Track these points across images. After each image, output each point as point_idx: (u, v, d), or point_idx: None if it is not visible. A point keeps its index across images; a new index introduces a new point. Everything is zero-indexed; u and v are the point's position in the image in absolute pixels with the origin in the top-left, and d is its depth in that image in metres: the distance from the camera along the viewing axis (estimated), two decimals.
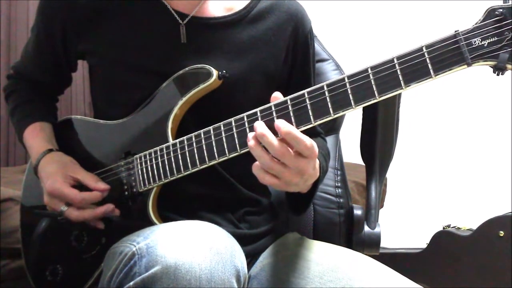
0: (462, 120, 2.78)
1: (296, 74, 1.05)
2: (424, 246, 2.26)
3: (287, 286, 0.88)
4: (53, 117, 1.12)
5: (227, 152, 0.83)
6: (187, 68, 0.93)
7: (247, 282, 0.85)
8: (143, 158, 0.93)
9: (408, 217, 2.72)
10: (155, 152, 0.91)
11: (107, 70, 0.99)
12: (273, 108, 0.78)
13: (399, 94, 1.17)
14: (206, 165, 0.86)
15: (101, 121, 1.01)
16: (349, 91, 0.74)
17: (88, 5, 0.97)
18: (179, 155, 0.88)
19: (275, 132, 0.75)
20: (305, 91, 0.77)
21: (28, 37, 1.10)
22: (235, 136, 0.82)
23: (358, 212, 1.23)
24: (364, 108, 1.13)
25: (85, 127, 1.05)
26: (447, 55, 0.70)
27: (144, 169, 0.92)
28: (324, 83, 0.76)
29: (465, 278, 2.14)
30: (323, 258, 0.91)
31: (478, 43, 0.69)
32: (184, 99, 0.92)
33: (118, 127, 0.98)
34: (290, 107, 0.78)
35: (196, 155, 0.86)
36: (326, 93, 0.76)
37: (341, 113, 0.76)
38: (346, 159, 1.33)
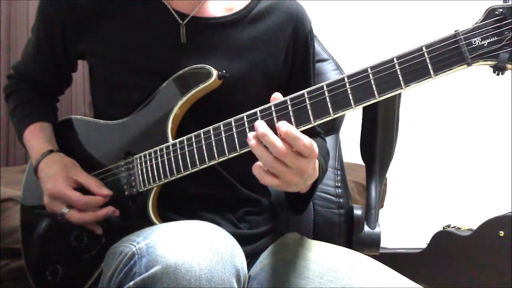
0: (462, 120, 2.78)
1: (296, 74, 1.05)
2: (424, 246, 2.26)
3: (287, 286, 0.88)
4: (53, 117, 1.12)
5: (226, 152, 0.83)
6: (187, 68, 0.93)
7: (247, 282, 0.85)
8: (143, 158, 0.93)
9: (408, 217, 2.72)
10: (155, 152, 0.91)
11: (107, 70, 0.99)
12: (272, 108, 0.78)
13: (399, 94, 1.18)
14: (206, 165, 0.86)
15: (101, 121, 1.01)
16: (349, 91, 0.74)
17: (88, 5, 0.97)
18: (179, 155, 0.88)
19: (275, 132, 0.75)
20: (305, 91, 0.77)
21: (28, 37, 1.10)
22: (235, 136, 0.82)
23: (358, 212, 1.23)
24: (364, 108, 1.14)
25: (85, 127, 1.05)
26: (447, 55, 0.70)
27: (144, 169, 0.92)
28: (324, 83, 0.76)
29: (465, 278, 2.14)
30: (323, 258, 0.91)
31: (478, 43, 0.69)
32: (184, 99, 0.92)
33: (118, 127, 0.98)
34: (290, 107, 0.78)
35: (196, 155, 0.86)
36: (326, 93, 0.76)
37: (340, 113, 0.76)
38: (346, 159, 1.33)
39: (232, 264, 0.73)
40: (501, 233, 2.08)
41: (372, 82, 0.73)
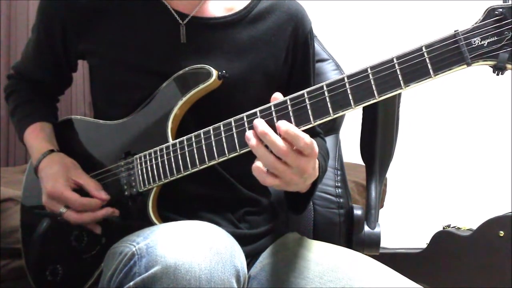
0: (462, 120, 2.78)
1: (296, 74, 1.05)
2: (424, 246, 2.26)
3: (287, 286, 0.88)
4: (54, 117, 1.12)
5: (226, 152, 0.83)
6: (187, 68, 0.93)
7: (247, 282, 0.86)
8: (143, 158, 0.93)
9: (408, 217, 2.72)
10: (155, 152, 0.91)
11: (107, 70, 0.99)
12: (272, 108, 0.78)
13: (399, 94, 1.18)
14: (205, 165, 0.86)
15: (101, 121, 1.01)
16: (349, 91, 0.74)
17: (88, 5, 0.97)
18: (179, 155, 0.88)
19: (274, 132, 0.75)
20: (304, 91, 0.77)
21: (28, 37, 1.10)
22: (235, 136, 0.82)
23: (358, 212, 1.23)
24: (364, 108, 1.14)
25: (85, 127, 1.05)
26: (447, 55, 0.70)
27: (144, 169, 0.92)
28: (323, 83, 0.76)
29: (465, 278, 2.14)
30: (323, 258, 0.91)
31: (478, 43, 0.69)
32: (184, 99, 0.92)
33: (118, 127, 0.98)
34: (289, 107, 0.78)
35: (196, 155, 0.86)
36: (326, 93, 0.76)
37: (340, 113, 0.76)
38: (346, 159, 1.33)
39: (232, 264, 0.73)
40: (501, 233, 2.08)
41: (372, 82, 0.73)
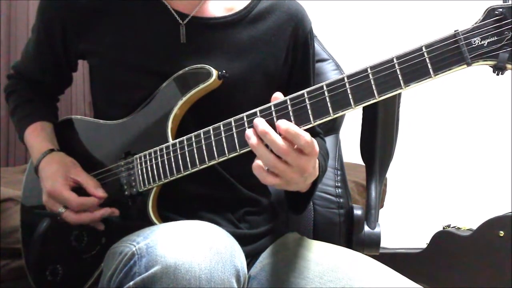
0: (462, 120, 2.78)
1: (296, 74, 1.05)
2: (424, 246, 2.26)
3: (287, 286, 0.88)
4: (54, 116, 1.12)
5: (226, 152, 0.83)
6: (187, 68, 0.93)
7: (247, 282, 0.86)
8: (143, 158, 0.93)
9: (408, 217, 2.72)
10: (155, 152, 0.91)
11: (107, 70, 0.99)
12: (272, 108, 0.78)
13: (399, 94, 1.18)
14: (205, 165, 0.86)
15: (101, 121, 1.01)
16: (349, 91, 0.74)
17: (88, 5, 0.97)
18: (179, 155, 0.88)
19: (274, 130, 0.75)
20: (304, 91, 0.77)
21: (28, 37, 1.10)
22: (235, 136, 0.82)
23: (358, 212, 1.23)
24: (364, 108, 1.14)
25: (85, 127, 1.05)
26: (447, 55, 0.70)
27: (144, 169, 0.92)
28: (323, 83, 0.76)
29: (465, 278, 2.14)
30: (323, 258, 0.91)
31: (478, 43, 0.69)
32: (184, 99, 0.92)
33: (118, 127, 0.98)
34: (289, 107, 0.78)
35: (195, 155, 0.86)
36: (326, 93, 0.76)
37: (340, 113, 0.76)
38: (346, 159, 1.33)
39: (232, 264, 0.73)
40: (501, 233, 2.08)
41: (372, 82, 0.73)
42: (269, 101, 0.79)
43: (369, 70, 0.74)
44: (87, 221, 0.94)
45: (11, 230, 1.38)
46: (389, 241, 2.11)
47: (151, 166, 0.91)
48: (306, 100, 0.77)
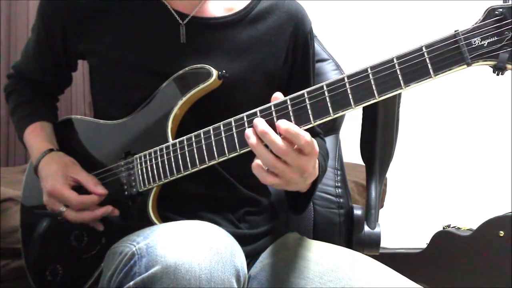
0: (462, 120, 2.78)
1: (296, 74, 1.05)
2: (424, 246, 2.26)
3: (287, 286, 0.88)
4: (54, 116, 1.12)
5: (226, 152, 0.83)
6: (187, 68, 0.93)
7: (247, 282, 0.86)
8: (143, 158, 0.93)
9: (408, 217, 2.72)
10: (155, 152, 0.91)
11: (107, 70, 0.99)
12: (272, 108, 0.78)
13: (399, 94, 1.17)
14: (205, 165, 0.86)
15: (101, 121, 1.01)
16: (349, 91, 0.74)
17: (88, 5, 0.97)
18: (179, 155, 0.88)
19: (274, 131, 0.75)
20: (304, 91, 0.77)
21: (28, 37, 1.10)
22: (235, 136, 0.82)
23: (358, 212, 1.23)
24: (364, 108, 1.14)
25: (85, 127, 1.05)
26: (447, 55, 0.70)
27: (144, 169, 0.92)
28: (323, 83, 0.76)
29: (465, 278, 2.14)
30: (323, 258, 0.91)
31: (478, 43, 0.69)
32: (184, 99, 0.92)
33: (118, 127, 0.98)
34: (289, 107, 0.78)
35: (196, 155, 0.86)
36: (326, 93, 0.76)
37: (340, 113, 0.76)
38: (346, 159, 1.33)
39: (232, 264, 0.73)
40: (501, 233, 2.08)
41: (372, 82, 0.73)
42: (269, 101, 0.79)
43: (369, 70, 0.74)
44: (89, 219, 0.93)
45: (11, 230, 1.38)
46: (389, 241, 2.11)
47: (151, 166, 0.91)
48: (306, 100, 0.77)
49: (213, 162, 0.85)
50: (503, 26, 0.68)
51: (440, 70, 0.70)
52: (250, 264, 0.97)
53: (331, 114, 0.76)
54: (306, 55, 1.06)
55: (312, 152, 0.76)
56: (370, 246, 1.21)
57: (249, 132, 0.77)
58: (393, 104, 1.25)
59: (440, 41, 0.70)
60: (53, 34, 1.01)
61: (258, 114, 0.79)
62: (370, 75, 0.73)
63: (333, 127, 1.33)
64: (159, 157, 0.91)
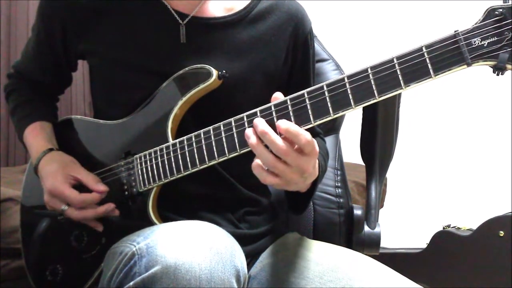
0: (462, 120, 2.78)
1: (296, 74, 1.05)
2: (424, 246, 2.26)
3: (287, 286, 0.88)
4: (54, 116, 1.12)
5: (226, 152, 0.83)
6: (187, 68, 0.93)
7: (247, 282, 0.86)
8: (143, 158, 0.93)
9: (408, 217, 2.72)
10: (155, 152, 0.91)
11: (107, 70, 0.99)
12: (272, 108, 0.78)
13: (399, 94, 1.17)
14: (206, 165, 0.86)
15: (101, 121, 1.01)
16: (349, 91, 0.74)
17: (88, 5, 0.97)
18: (179, 155, 0.88)
19: (274, 131, 0.75)
20: (304, 91, 0.77)
21: (28, 37, 1.10)
22: (235, 136, 0.82)
23: (358, 212, 1.23)
24: (364, 108, 1.14)
25: (85, 127, 1.05)
26: (447, 55, 0.70)
27: (144, 169, 0.92)
28: (324, 83, 0.76)
29: (465, 278, 2.14)
30: (323, 258, 0.91)
31: (478, 43, 0.69)
32: (184, 99, 0.92)
33: (118, 127, 0.98)
34: (290, 107, 0.78)
35: (196, 155, 0.86)
36: (326, 93, 0.76)
37: (340, 113, 0.76)
38: (346, 159, 1.33)
39: (232, 264, 0.73)
40: (501, 233, 2.08)
41: (372, 82, 0.73)
42: (269, 101, 0.79)
43: (369, 70, 0.74)
44: (91, 216, 0.94)
45: (11, 230, 1.38)
46: (389, 241, 2.11)
47: (151, 166, 0.91)
48: (306, 100, 0.77)
49: (213, 162, 0.85)
50: (503, 26, 0.68)
51: (440, 70, 0.70)
52: (250, 264, 0.97)
53: (331, 114, 0.76)
54: (306, 55, 1.06)
55: (313, 152, 0.76)
56: (370, 246, 1.21)
57: (249, 132, 0.77)
58: (393, 104, 1.25)
59: (440, 41, 0.70)
60: (53, 34, 1.01)
61: (258, 114, 0.79)
62: (370, 75, 0.73)
63: (333, 127, 1.33)
64: (159, 157, 0.91)
